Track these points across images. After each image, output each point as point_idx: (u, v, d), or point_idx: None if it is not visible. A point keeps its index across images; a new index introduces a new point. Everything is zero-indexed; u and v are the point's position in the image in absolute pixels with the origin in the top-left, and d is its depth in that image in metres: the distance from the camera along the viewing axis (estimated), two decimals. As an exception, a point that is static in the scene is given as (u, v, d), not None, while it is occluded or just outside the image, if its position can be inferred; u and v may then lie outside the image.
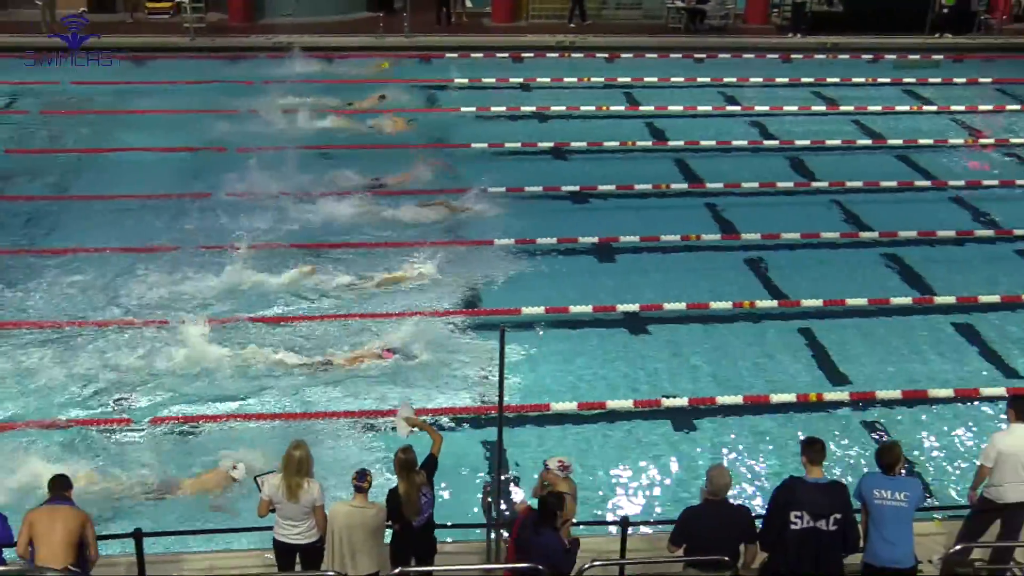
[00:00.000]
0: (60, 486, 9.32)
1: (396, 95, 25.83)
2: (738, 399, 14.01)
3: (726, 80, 28.47)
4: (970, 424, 13.78)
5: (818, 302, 16.55)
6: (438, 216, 19.23)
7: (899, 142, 24.15)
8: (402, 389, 13.88)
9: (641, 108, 25.98)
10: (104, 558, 9.68)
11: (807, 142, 23.87)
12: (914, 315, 16.55)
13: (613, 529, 11.03)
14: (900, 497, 9.26)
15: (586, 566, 8.96)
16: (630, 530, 9.94)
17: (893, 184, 21.60)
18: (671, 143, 23.60)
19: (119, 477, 12.17)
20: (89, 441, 12.92)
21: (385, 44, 30.29)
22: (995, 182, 21.99)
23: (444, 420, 13.24)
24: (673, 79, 28.21)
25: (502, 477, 10.37)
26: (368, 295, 16.44)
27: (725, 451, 13.08)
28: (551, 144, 23.16)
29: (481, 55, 30.23)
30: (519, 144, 22.96)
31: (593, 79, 28.14)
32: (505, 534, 9.81)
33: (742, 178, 21.30)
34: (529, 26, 32.66)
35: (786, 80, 28.81)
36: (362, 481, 9.21)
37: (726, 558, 8.99)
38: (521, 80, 28.05)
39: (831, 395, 14.22)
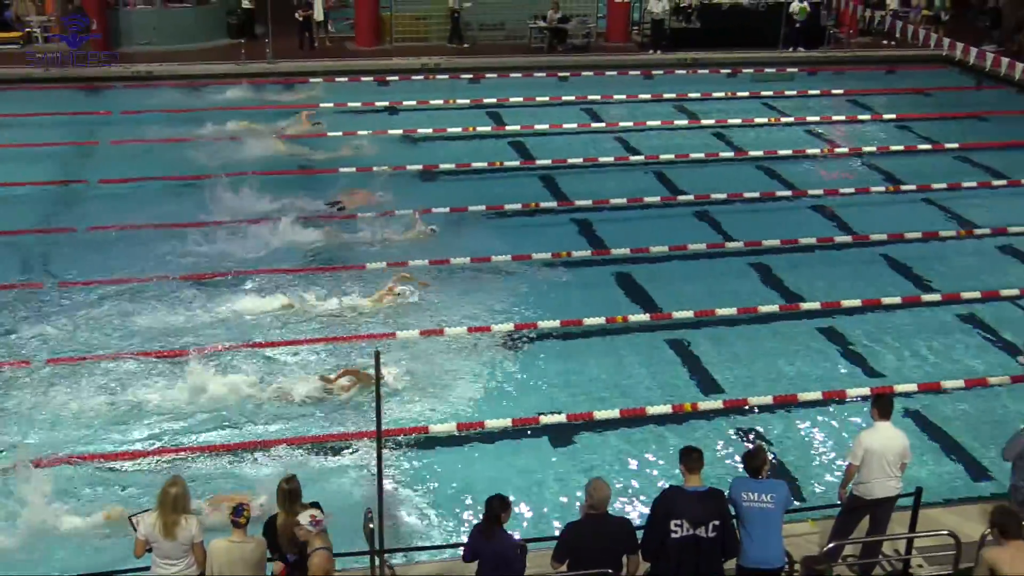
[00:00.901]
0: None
1: (263, 120, 25.58)
2: (615, 412, 14.19)
3: (590, 97, 28.85)
4: (838, 424, 14.20)
5: (689, 313, 16.88)
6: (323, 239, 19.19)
7: (759, 153, 24.82)
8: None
9: (507, 128, 26.17)
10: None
11: (671, 156, 24.36)
12: (781, 321, 17.00)
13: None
14: (767, 499, 9.52)
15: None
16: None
17: (756, 194, 22.16)
18: (539, 161, 23.80)
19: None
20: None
21: (248, 71, 29.91)
22: (851, 189, 22.70)
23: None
24: (538, 98, 28.47)
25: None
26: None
27: (604, 464, 13.18)
28: (420, 167, 23.13)
29: (346, 79, 30.08)
30: (388, 167, 22.88)
31: (459, 100, 28.22)
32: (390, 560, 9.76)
33: (610, 194, 21.61)
34: (394, 49, 32.61)
35: (648, 96, 29.34)
36: (239, 516, 9.07)
37: (609, 571, 9.08)
38: (387, 103, 27.99)
39: (706, 404, 14.50)
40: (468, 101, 28.22)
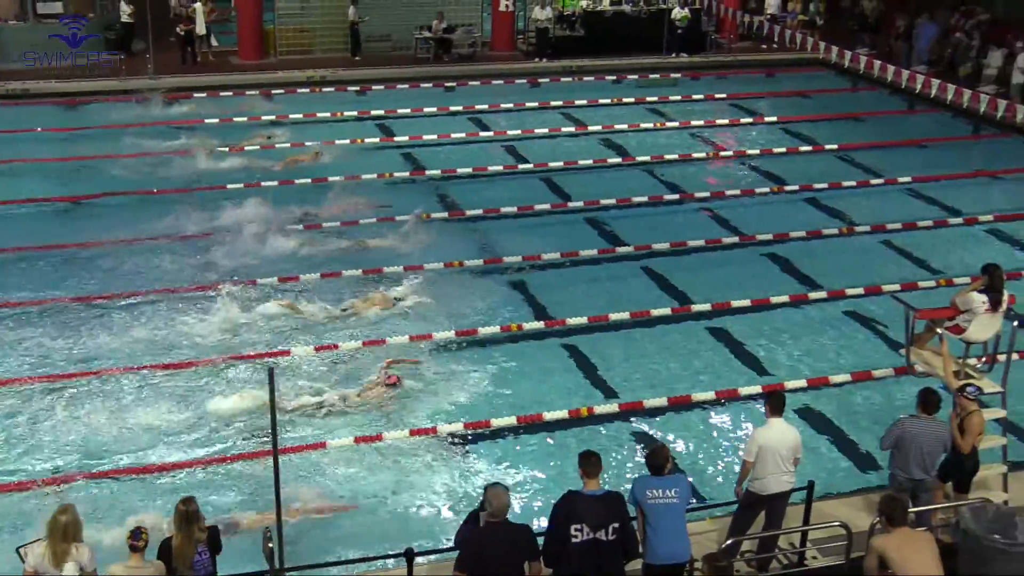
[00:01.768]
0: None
1: (154, 136, 25.15)
2: (512, 420, 14.21)
3: (477, 107, 28.91)
4: (732, 423, 14.44)
5: (583, 319, 17.00)
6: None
7: (647, 158, 25.13)
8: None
9: (396, 139, 26.05)
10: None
11: (560, 163, 24.53)
12: (673, 323, 17.22)
13: (391, 563, 10.99)
14: (671, 494, 9.66)
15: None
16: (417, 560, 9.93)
17: (644, 199, 22.43)
18: (428, 172, 23.76)
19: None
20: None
21: (130, 87, 29.31)
22: (737, 191, 23.13)
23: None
24: (425, 108, 28.42)
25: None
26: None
27: (502, 471, 13.20)
28: (308, 180, 22.91)
29: (231, 93, 29.67)
30: (276, 183, 22.62)
31: (346, 112, 28.02)
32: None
33: (500, 203, 21.66)
34: (278, 62, 32.26)
35: (535, 104, 29.48)
36: (137, 540, 8.87)
37: (511, 578, 9.09)
38: (273, 117, 27.66)
39: (602, 408, 14.61)
40: (356, 113, 28.03)
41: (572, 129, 27.58)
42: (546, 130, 27.16)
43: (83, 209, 21.38)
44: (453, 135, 26.40)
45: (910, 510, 10.20)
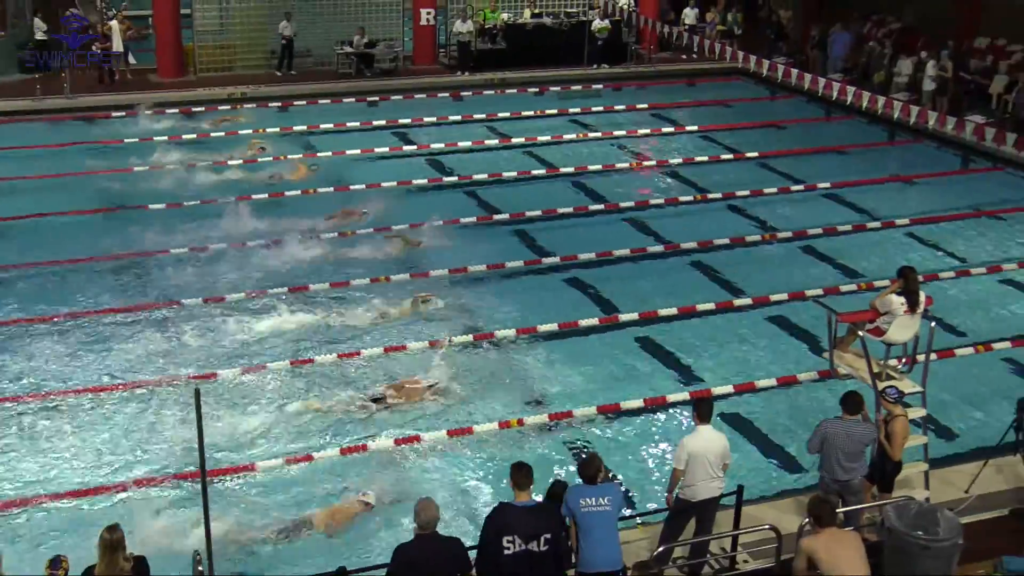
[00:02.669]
0: None
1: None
2: (441, 433, 14.19)
3: (401, 121, 28.85)
4: (661, 430, 14.55)
5: (511, 331, 17.02)
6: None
7: (571, 169, 25.26)
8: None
9: (319, 155, 25.88)
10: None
11: (485, 176, 24.57)
12: (600, 333, 17.32)
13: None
14: (604, 502, 9.73)
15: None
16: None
17: (569, 210, 22.52)
18: (352, 187, 23.63)
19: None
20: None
21: (45, 107, 28.82)
22: (661, 200, 23.36)
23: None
24: (348, 124, 28.30)
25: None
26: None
27: (432, 484, 13.11)
28: (232, 198, 22.68)
29: (150, 112, 29.28)
30: (198, 201, 22.38)
31: (268, 129, 27.79)
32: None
33: (426, 217, 21.59)
34: (198, 80, 31.93)
35: (459, 117, 29.50)
36: (56, 569, 8.70)
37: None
38: (195, 136, 27.36)
39: (532, 419, 14.61)
40: (278, 129, 27.82)
41: (496, 142, 27.63)
42: (470, 143, 27.17)
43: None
44: (376, 150, 26.31)
45: (838, 510, 10.35)
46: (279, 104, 30.36)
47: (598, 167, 25.52)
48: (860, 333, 12.42)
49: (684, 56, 36.30)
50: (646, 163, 26.35)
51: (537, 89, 32.66)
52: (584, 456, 10.34)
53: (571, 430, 14.50)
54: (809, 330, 17.12)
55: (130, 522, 11.14)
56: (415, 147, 26.91)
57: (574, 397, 15.31)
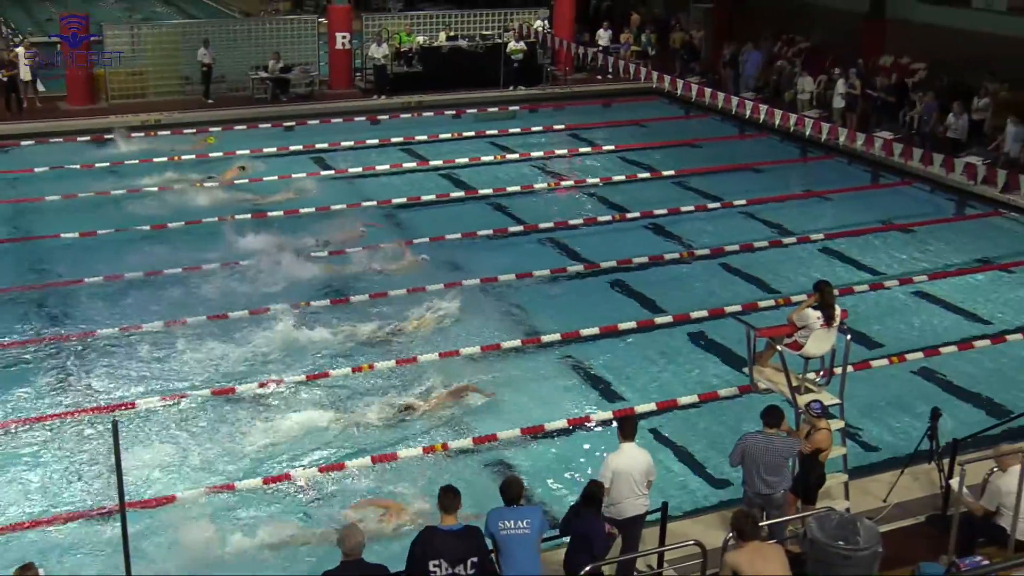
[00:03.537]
0: None
1: None
2: (366, 460, 14.11)
3: (318, 146, 28.71)
4: (586, 450, 14.59)
5: (434, 355, 16.95)
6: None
7: (489, 191, 25.34)
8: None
9: (236, 181, 25.55)
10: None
11: (403, 199, 24.52)
12: (523, 354, 17.32)
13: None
14: (523, 525, 9.72)
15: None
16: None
17: (488, 232, 22.53)
18: (270, 214, 23.42)
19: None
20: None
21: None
22: (579, 220, 23.51)
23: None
24: (265, 149, 28.07)
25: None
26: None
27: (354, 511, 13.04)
28: (148, 227, 22.36)
29: (61, 140, 28.78)
30: (112, 229, 22.03)
31: (184, 156, 27.44)
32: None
33: (343, 242, 21.45)
34: (110, 107, 31.46)
35: (376, 141, 29.41)
36: None
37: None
38: (108, 164, 26.91)
39: (456, 443, 14.57)
40: (193, 156, 27.48)
41: (414, 164, 27.57)
42: (388, 166, 27.10)
43: None
44: (294, 175, 26.12)
45: (761, 524, 10.46)
46: (193, 131, 29.95)
47: (516, 188, 25.64)
48: (778, 348, 12.60)
49: (599, 77, 36.65)
50: (564, 183, 26.52)
51: (454, 112, 32.72)
52: (505, 479, 10.33)
53: (495, 453, 14.48)
54: (729, 346, 17.31)
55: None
56: (332, 172, 26.76)
57: (497, 419, 15.27)
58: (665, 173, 27.01)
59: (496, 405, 15.67)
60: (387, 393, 15.80)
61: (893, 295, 19.98)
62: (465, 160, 27.69)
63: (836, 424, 12.64)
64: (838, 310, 12.80)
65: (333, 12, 34.38)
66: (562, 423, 15.11)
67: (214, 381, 16.06)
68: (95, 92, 31.88)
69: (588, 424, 15.20)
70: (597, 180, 26.50)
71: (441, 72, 33.92)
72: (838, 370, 12.85)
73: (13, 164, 26.89)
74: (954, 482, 11.80)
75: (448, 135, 30.09)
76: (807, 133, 28.40)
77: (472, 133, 30.44)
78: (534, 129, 31.22)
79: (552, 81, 36.02)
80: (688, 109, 33.66)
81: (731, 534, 9.96)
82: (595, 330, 17.98)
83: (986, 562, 10.81)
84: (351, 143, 29.13)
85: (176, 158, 27.19)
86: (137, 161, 27.01)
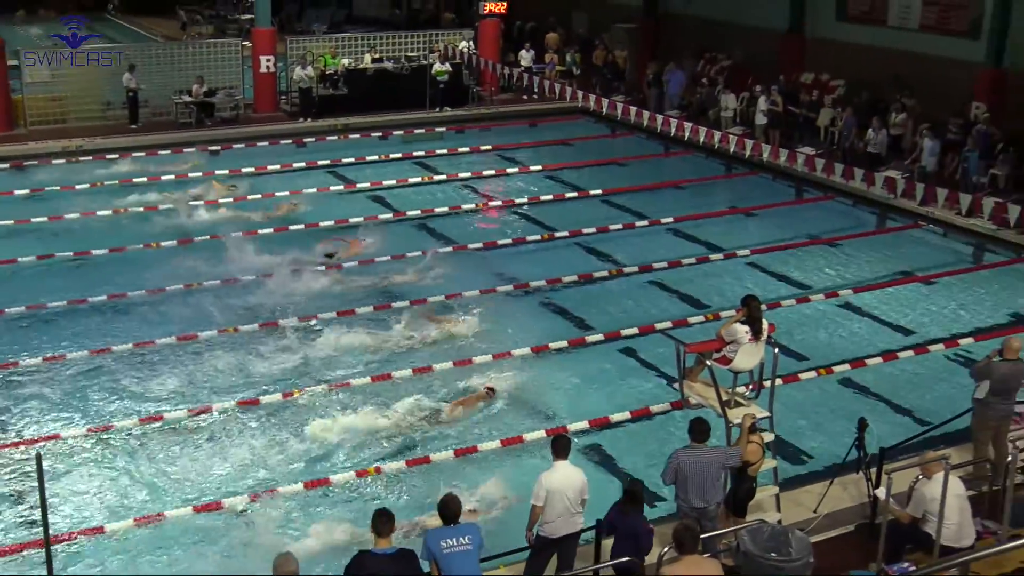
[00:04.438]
0: None
1: None
2: (298, 486, 13.99)
3: (244, 170, 28.42)
4: (519, 469, 14.55)
5: (366, 379, 16.86)
6: None
7: (417, 212, 25.31)
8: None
9: (160, 207, 25.25)
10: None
11: (331, 222, 24.36)
12: (452, 376, 17.22)
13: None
14: (464, 541, 9.74)
15: None
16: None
17: (417, 253, 22.42)
18: (195, 239, 23.15)
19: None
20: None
21: None
22: (508, 240, 23.57)
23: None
24: (190, 174, 27.77)
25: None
26: None
27: (292, 536, 12.93)
28: (70, 254, 22.01)
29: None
30: (34, 258, 21.65)
31: (107, 182, 27.03)
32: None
33: (271, 265, 21.24)
34: (30, 133, 30.93)
35: (303, 164, 29.25)
36: None
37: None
38: (28, 191, 26.42)
39: (389, 465, 14.53)
40: (117, 182, 27.08)
41: (341, 187, 27.48)
42: (314, 189, 26.94)
43: None
44: (220, 199, 25.86)
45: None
46: (116, 156, 29.51)
47: (444, 209, 25.64)
48: (708, 363, 12.70)
49: (525, 97, 36.83)
50: (491, 203, 26.58)
51: (380, 134, 32.67)
52: (443, 498, 10.29)
53: (430, 475, 14.42)
54: (659, 363, 17.43)
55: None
56: (259, 195, 26.51)
57: (427, 439, 15.27)
58: (592, 192, 27.19)
59: (413, 425, 15.64)
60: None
61: (819, 308, 20.31)
62: (392, 182, 27.63)
63: (766, 437, 12.76)
64: (766, 324, 12.94)
65: (257, 35, 34.19)
66: (495, 444, 15.10)
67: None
68: (13, 118, 31.31)
69: (521, 443, 15.20)
70: (525, 199, 26.60)
71: (367, 94, 33.88)
72: (767, 383, 13.00)
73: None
74: (881, 491, 12.01)
75: (375, 157, 30.03)
76: (731, 150, 28.76)
77: (399, 155, 30.40)
78: (461, 150, 31.26)
79: (478, 102, 36.15)
80: (614, 128, 33.92)
81: (666, 548, 10.02)
82: (526, 350, 18.00)
83: (913, 568, 11.02)
84: (277, 167, 28.90)
85: (99, 184, 26.75)
86: (58, 187, 26.55)
